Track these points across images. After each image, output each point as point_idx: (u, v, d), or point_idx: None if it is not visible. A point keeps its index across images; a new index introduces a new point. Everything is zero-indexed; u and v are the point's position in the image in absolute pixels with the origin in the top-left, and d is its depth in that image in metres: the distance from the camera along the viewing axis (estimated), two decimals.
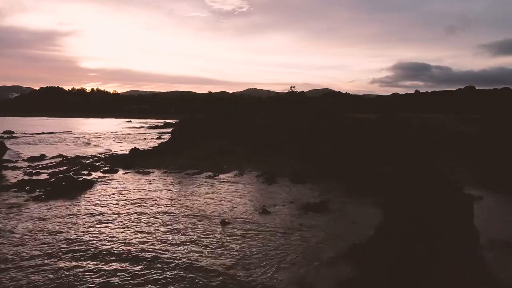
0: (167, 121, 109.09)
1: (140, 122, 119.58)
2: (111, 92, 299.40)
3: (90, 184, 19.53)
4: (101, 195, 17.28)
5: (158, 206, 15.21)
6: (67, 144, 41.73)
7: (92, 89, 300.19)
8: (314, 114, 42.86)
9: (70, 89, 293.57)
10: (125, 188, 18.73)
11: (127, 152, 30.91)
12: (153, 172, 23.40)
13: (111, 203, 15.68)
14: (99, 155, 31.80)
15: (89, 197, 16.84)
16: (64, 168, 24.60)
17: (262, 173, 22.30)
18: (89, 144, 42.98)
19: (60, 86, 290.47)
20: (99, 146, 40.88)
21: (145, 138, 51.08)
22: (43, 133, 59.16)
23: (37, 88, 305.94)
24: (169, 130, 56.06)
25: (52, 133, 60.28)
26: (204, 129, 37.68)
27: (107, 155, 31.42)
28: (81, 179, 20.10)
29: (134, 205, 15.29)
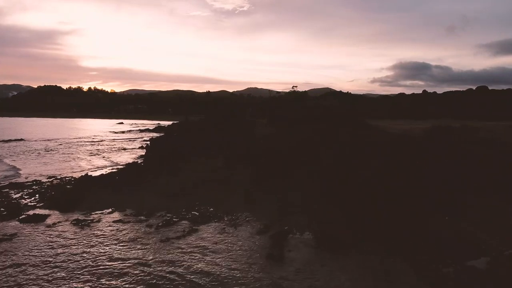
0: (161, 123, 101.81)
1: (131, 124, 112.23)
2: (109, 91, 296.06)
3: None
4: None
5: None
6: (22, 160, 33.60)
7: (90, 88, 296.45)
8: (330, 120, 34.54)
9: (67, 88, 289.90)
10: (34, 265, 10.59)
11: (81, 176, 22.86)
12: (99, 221, 15.29)
13: None
14: (45, 180, 23.60)
15: None
16: None
17: (265, 227, 14.19)
18: (49, 159, 34.87)
19: (58, 85, 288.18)
20: (60, 161, 32.76)
21: (123, 148, 42.73)
22: (3, 140, 50.71)
23: (35, 87, 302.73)
24: (159, 135, 48.38)
25: (22, 139, 52.22)
26: (190, 145, 30.17)
27: (55, 181, 23.29)
28: None
29: None
